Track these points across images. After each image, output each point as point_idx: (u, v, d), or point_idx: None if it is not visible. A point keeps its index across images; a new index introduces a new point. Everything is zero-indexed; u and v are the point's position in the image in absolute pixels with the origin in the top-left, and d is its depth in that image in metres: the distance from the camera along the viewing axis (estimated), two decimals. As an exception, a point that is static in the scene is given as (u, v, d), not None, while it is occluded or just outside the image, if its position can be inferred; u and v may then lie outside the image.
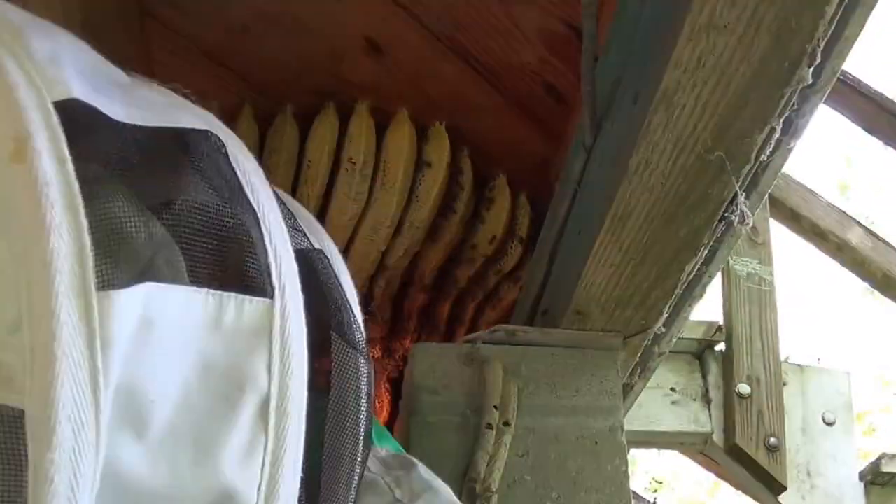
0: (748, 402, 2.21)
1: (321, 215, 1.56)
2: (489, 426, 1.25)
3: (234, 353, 0.47)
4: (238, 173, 0.51)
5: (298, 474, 0.50)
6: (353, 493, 0.59)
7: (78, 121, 0.43)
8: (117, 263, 0.42)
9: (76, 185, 0.41)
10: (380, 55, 1.41)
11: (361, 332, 0.60)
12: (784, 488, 2.19)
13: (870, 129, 2.55)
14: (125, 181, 0.44)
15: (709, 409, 2.24)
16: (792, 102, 0.97)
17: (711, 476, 2.48)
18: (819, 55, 0.92)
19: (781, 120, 0.99)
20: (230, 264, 0.48)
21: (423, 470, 1.10)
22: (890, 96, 2.48)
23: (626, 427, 1.33)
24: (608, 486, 1.27)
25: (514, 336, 1.34)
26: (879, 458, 2.35)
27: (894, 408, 6.83)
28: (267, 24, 1.38)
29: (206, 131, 0.50)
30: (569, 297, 1.27)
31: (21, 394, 0.38)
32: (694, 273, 1.22)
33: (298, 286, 0.52)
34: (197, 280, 0.46)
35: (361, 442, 0.59)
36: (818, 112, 1.03)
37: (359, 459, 0.59)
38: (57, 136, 0.41)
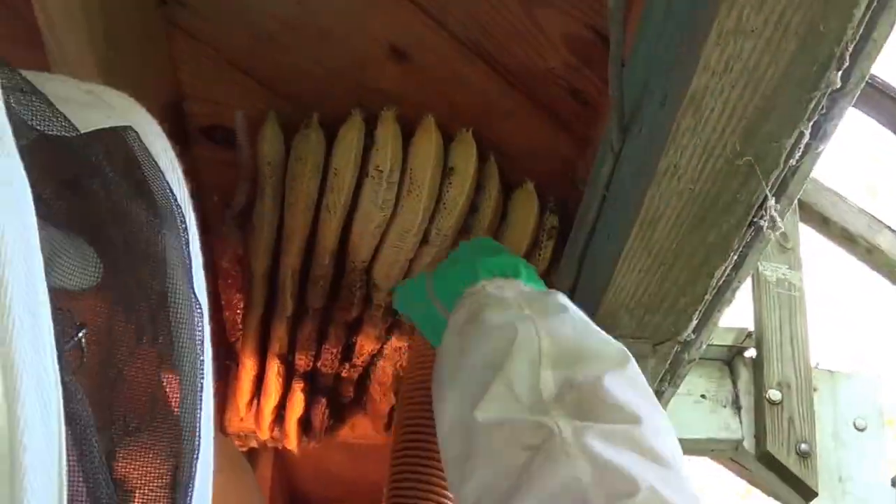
0: (779, 409, 2.19)
1: (347, 224, 1.56)
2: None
3: None
4: (156, 159, 0.56)
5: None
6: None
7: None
8: None
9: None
10: (405, 62, 1.41)
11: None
12: (815, 494, 2.17)
13: (899, 132, 2.53)
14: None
15: (739, 416, 2.22)
16: (821, 106, 0.96)
17: (742, 482, 2.46)
18: (847, 58, 0.91)
19: (810, 124, 0.98)
20: None
21: (562, 297, 1.12)
22: (919, 99, 2.46)
23: (656, 434, 1.32)
24: (638, 493, 1.26)
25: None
26: (912, 464, 2.34)
27: (926, 413, 6.76)
28: (292, 33, 1.38)
29: (128, 127, 0.54)
30: (598, 304, 1.26)
31: None
32: (723, 279, 1.21)
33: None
34: None
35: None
36: (846, 115, 1.02)
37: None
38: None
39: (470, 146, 1.48)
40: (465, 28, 1.36)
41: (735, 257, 1.17)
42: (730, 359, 2.31)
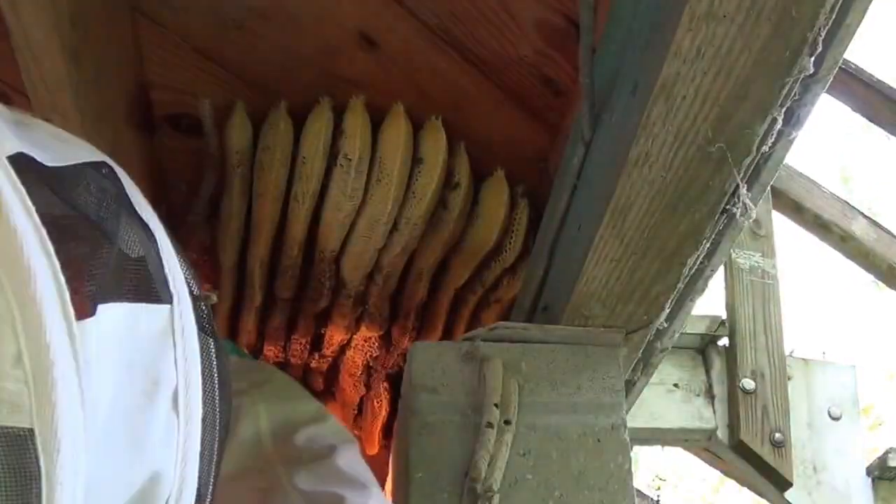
0: (753, 398, 2.19)
1: (316, 213, 1.55)
2: (490, 425, 1.24)
3: (149, 354, 0.54)
4: (131, 198, 0.59)
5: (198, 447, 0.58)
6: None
7: (27, 171, 0.49)
8: (82, 294, 0.49)
9: (44, 231, 0.47)
10: (374, 50, 1.40)
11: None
12: (790, 484, 2.17)
13: (872, 118, 2.54)
14: (66, 219, 0.51)
15: (713, 405, 2.22)
16: (793, 92, 0.96)
17: (716, 473, 2.47)
18: (820, 44, 0.90)
19: (783, 110, 0.97)
20: (140, 279, 0.56)
21: (263, 364, 1.31)
22: (892, 85, 2.46)
23: (629, 424, 1.32)
24: (611, 483, 1.26)
25: (514, 333, 1.33)
26: (887, 453, 2.33)
27: (900, 401, 6.81)
28: (259, 20, 1.36)
29: (102, 162, 0.58)
30: (569, 293, 1.25)
31: (29, 415, 0.44)
32: (696, 267, 1.20)
33: (186, 289, 0.61)
34: (121, 295, 0.54)
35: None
36: (819, 101, 1.02)
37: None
38: (18, 189, 0.47)
39: (439, 134, 1.46)
40: (436, 16, 1.35)
41: (708, 245, 1.16)
42: (703, 347, 2.30)
